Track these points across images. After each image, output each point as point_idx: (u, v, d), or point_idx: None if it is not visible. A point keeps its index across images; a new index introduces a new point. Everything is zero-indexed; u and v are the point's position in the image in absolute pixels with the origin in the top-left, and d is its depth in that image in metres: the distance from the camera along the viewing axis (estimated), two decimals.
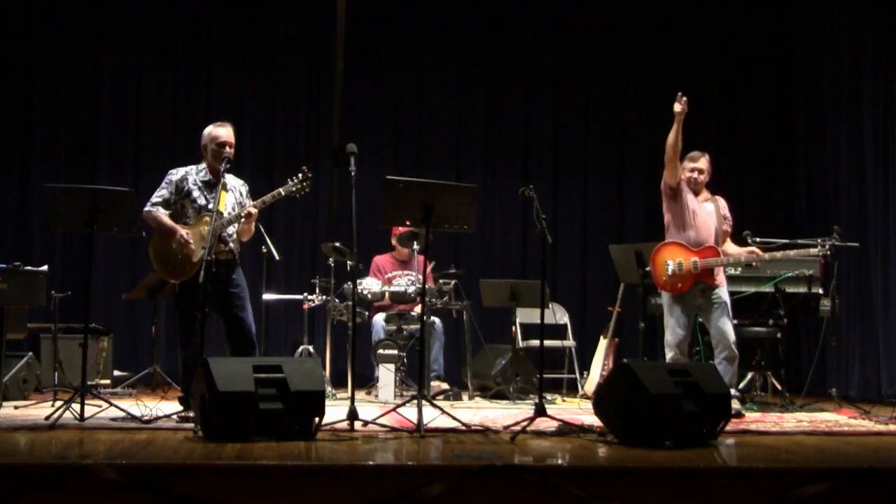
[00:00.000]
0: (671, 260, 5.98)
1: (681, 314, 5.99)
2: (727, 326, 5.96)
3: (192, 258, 5.32)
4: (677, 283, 5.97)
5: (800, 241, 6.67)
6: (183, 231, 5.38)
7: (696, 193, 6.14)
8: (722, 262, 6.00)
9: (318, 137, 8.94)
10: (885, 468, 3.64)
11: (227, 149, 5.44)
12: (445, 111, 9.20)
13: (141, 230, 5.38)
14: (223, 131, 5.50)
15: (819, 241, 6.26)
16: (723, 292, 6.03)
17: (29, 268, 6.12)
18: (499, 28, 9.24)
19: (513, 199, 8.47)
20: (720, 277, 6.07)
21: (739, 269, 6.65)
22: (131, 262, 8.48)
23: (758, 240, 6.50)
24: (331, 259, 7.17)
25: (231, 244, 5.49)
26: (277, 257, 7.28)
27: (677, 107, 5.92)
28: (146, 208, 5.45)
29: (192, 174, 5.53)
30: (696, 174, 6.10)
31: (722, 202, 6.24)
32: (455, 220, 5.07)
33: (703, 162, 6.13)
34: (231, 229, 5.47)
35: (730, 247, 6.18)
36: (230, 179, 5.56)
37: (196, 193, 5.47)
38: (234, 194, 5.57)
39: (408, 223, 5.37)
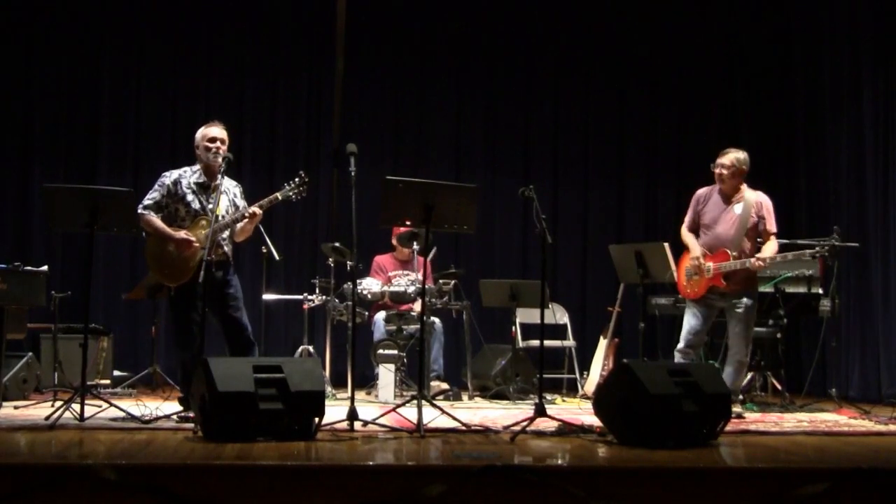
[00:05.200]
0: (690, 266, 6.08)
1: (696, 311, 6.06)
2: (742, 339, 5.94)
3: (189, 261, 5.26)
4: (693, 287, 6.05)
5: (799, 242, 6.67)
6: (182, 233, 5.33)
7: (726, 193, 6.07)
8: (729, 266, 5.89)
9: (318, 137, 8.94)
10: (885, 468, 3.64)
11: (219, 144, 5.39)
12: (445, 111, 9.19)
13: (141, 231, 5.37)
14: (213, 128, 5.46)
15: (818, 243, 6.28)
16: (747, 301, 5.95)
17: (29, 268, 6.13)
18: (499, 28, 9.24)
19: (513, 199, 8.46)
20: (741, 283, 5.95)
21: None
22: (131, 262, 8.49)
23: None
24: (331, 259, 7.17)
25: (225, 246, 5.44)
26: (277, 257, 7.27)
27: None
28: (139, 211, 5.34)
29: (186, 177, 5.46)
30: (718, 169, 6.07)
31: (757, 201, 6.04)
32: (455, 220, 5.06)
33: (725, 158, 6.04)
34: (226, 231, 5.42)
35: (768, 247, 5.99)
36: (223, 181, 5.50)
37: (190, 197, 5.40)
38: (228, 196, 5.49)
39: (408, 223, 5.36)
